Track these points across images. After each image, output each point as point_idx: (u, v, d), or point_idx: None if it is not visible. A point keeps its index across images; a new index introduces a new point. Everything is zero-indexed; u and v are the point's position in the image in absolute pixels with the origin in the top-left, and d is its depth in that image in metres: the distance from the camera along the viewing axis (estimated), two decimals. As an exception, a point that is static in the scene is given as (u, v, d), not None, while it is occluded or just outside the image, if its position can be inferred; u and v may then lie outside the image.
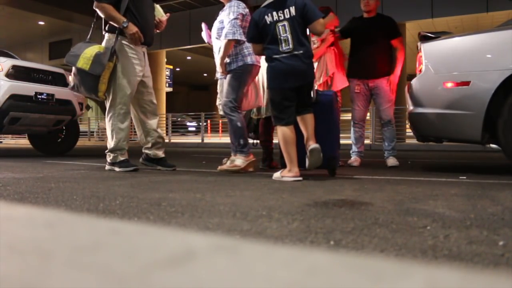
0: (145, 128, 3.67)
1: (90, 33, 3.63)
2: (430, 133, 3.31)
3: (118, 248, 0.63)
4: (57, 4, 15.91)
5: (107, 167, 3.54)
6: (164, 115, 15.29)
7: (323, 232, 1.26)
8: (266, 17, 2.83)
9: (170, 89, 19.64)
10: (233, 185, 2.52)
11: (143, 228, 0.81)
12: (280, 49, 2.81)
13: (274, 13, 2.82)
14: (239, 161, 3.32)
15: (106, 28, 3.49)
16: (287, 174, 2.82)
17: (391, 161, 4.05)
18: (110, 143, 3.51)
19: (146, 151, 3.71)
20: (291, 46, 2.79)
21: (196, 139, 13.30)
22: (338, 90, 4.05)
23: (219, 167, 3.39)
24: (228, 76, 3.37)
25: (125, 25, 3.37)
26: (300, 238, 1.19)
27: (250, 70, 3.37)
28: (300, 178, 2.80)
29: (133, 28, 3.40)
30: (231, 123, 3.37)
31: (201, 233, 1.22)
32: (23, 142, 14.80)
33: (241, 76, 3.34)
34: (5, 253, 0.60)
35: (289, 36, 2.79)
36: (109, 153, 3.53)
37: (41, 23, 18.43)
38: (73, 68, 3.45)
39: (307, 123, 2.89)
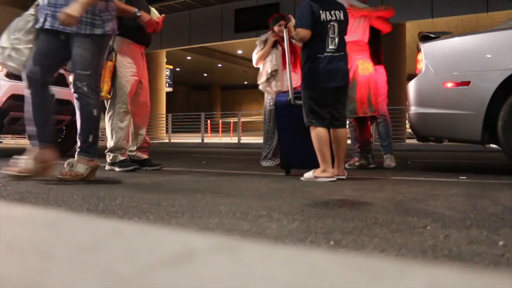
0: (134, 130, 3.66)
1: None
2: (430, 133, 3.31)
3: (118, 248, 0.63)
4: (57, 4, 15.90)
5: (107, 167, 3.53)
6: (164, 115, 15.30)
7: (323, 232, 1.26)
8: (321, 12, 2.82)
9: (170, 89, 19.64)
10: (233, 185, 2.52)
11: (143, 228, 0.81)
12: (326, 48, 2.81)
13: (327, 12, 2.84)
14: (81, 167, 2.60)
15: None
16: (321, 175, 2.76)
17: (388, 162, 4.01)
18: (110, 143, 3.50)
19: (129, 153, 3.66)
20: (336, 47, 2.83)
21: (196, 139, 13.30)
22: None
23: (59, 175, 2.56)
24: (87, 40, 2.58)
25: (138, 14, 3.37)
26: (300, 238, 1.19)
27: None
28: (334, 179, 2.76)
29: (146, 16, 3.41)
30: (85, 108, 2.60)
31: (201, 233, 1.22)
32: (23, 142, 14.80)
33: (103, 47, 2.70)
34: (5, 253, 0.60)
35: (337, 38, 2.83)
36: (108, 153, 3.52)
37: (41, 23, 18.41)
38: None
39: (339, 142, 2.86)
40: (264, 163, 4.18)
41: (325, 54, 2.80)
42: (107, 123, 3.52)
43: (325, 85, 2.81)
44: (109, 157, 3.53)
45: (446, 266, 0.72)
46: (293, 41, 3.83)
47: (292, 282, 0.46)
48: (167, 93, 18.49)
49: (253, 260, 0.57)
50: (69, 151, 6.37)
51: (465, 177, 2.93)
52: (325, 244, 1.13)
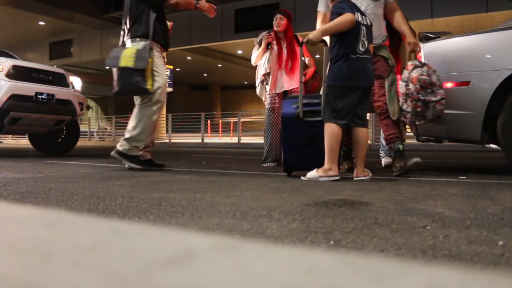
0: None
1: (121, 38, 3.64)
2: (430, 133, 3.31)
3: (118, 248, 0.63)
4: (57, 4, 15.92)
5: (114, 154, 3.49)
6: (164, 115, 15.29)
7: (323, 232, 1.26)
8: (356, 13, 2.85)
9: (170, 89, 19.61)
10: (233, 185, 2.52)
11: (143, 228, 0.81)
12: (357, 50, 2.85)
13: (359, 14, 2.88)
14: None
15: (130, 33, 3.51)
16: (325, 174, 2.76)
17: (386, 161, 4.03)
18: (131, 131, 3.45)
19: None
20: (365, 49, 2.88)
21: (196, 139, 13.30)
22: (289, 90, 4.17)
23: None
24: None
25: (198, 6, 3.64)
26: (300, 238, 1.19)
27: None
28: (338, 178, 2.78)
29: (205, 3, 3.61)
30: None
31: (201, 233, 1.22)
32: (23, 142, 14.81)
33: None
34: (5, 253, 0.60)
35: (366, 41, 2.88)
36: (125, 141, 3.46)
37: (41, 23, 18.44)
38: (115, 73, 3.43)
39: (360, 141, 2.89)
40: (262, 164, 4.23)
41: (358, 55, 2.84)
42: (138, 112, 3.48)
43: (356, 84, 2.84)
44: (122, 146, 3.48)
45: (446, 266, 0.72)
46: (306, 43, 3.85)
47: (292, 282, 0.47)
48: (167, 93, 18.49)
49: (253, 260, 0.57)
50: (69, 151, 6.38)
51: (465, 177, 2.93)
52: (325, 244, 1.13)
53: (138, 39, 3.50)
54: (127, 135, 3.48)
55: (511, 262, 0.97)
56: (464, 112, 3.01)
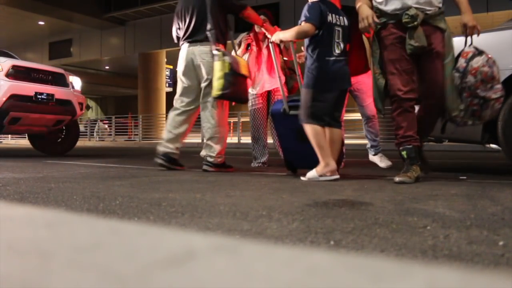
0: (185, 130, 3.73)
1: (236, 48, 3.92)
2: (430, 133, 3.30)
3: (118, 248, 0.63)
4: (57, 4, 15.92)
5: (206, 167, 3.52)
6: (164, 115, 15.31)
7: (323, 232, 1.26)
8: (329, 14, 2.85)
9: (170, 89, 19.64)
10: (233, 185, 2.52)
11: (143, 228, 0.81)
12: (333, 52, 2.84)
13: (334, 15, 2.87)
14: None
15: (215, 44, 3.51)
16: (324, 170, 2.75)
17: (384, 161, 4.02)
18: (216, 147, 3.51)
19: (175, 150, 3.65)
20: (341, 51, 2.87)
21: (196, 139, 13.29)
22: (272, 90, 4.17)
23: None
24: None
25: (265, 23, 3.80)
26: (300, 238, 1.19)
27: None
28: (338, 176, 2.78)
29: (270, 26, 3.87)
30: None
31: (201, 233, 1.22)
32: (23, 142, 14.80)
33: None
34: (5, 253, 0.60)
35: (341, 43, 2.87)
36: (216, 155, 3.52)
37: (41, 23, 18.44)
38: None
39: (335, 142, 2.87)
40: (252, 164, 4.24)
41: (333, 57, 2.84)
42: (210, 113, 3.51)
43: (333, 87, 2.85)
44: (212, 158, 3.52)
45: (446, 266, 0.72)
46: (281, 45, 3.84)
47: (292, 282, 0.46)
48: (167, 93, 18.51)
49: (253, 260, 0.57)
50: (69, 151, 6.38)
51: (465, 177, 2.93)
52: (325, 244, 1.13)
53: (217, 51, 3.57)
54: (208, 137, 3.60)
55: (511, 262, 0.97)
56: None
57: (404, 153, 2.70)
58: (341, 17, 2.91)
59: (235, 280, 0.47)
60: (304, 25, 2.80)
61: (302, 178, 2.84)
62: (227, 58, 3.32)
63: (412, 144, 2.67)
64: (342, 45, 2.87)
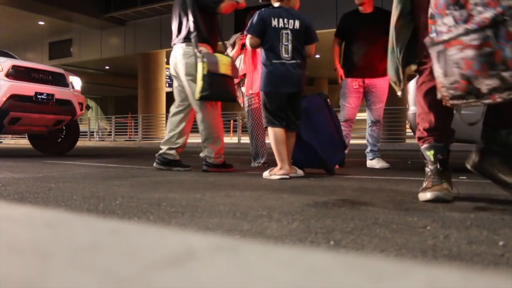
0: (182, 129, 3.69)
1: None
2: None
3: (118, 248, 0.63)
4: (57, 4, 15.91)
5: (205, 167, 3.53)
6: (164, 115, 15.31)
7: (323, 232, 1.26)
8: (272, 19, 2.92)
9: (170, 89, 19.62)
10: (233, 185, 2.52)
11: (143, 228, 0.81)
12: (280, 55, 2.90)
13: (281, 19, 2.92)
14: None
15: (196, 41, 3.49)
16: (277, 173, 2.88)
17: (381, 163, 4.00)
18: (213, 148, 3.51)
19: (170, 151, 3.63)
20: (290, 54, 2.91)
21: (196, 139, 13.30)
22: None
23: None
24: None
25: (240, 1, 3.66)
26: (300, 238, 1.19)
27: None
28: (287, 177, 2.86)
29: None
30: None
31: (201, 233, 1.22)
32: (23, 142, 14.80)
33: None
34: (5, 253, 0.60)
35: (290, 45, 2.91)
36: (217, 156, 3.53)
37: (41, 23, 18.43)
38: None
39: (288, 144, 2.95)
40: (252, 164, 4.24)
41: (279, 60, 2.90)
42: (200, 115, 3.51)
43: (278, 90, 2.92)
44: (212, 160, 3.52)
45: (446, 266, 0.72)
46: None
47: (292, 282, 0.46)
48: (167, 93, 18.49)
49: (253, 260, 0.57)
50: (69, 151, 6.38)
51: (465, 177, 2.93)
52: (325, 244, 1.13)
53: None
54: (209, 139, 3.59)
55: (511, 262, 0.97)
56: (464, 112, 3.01)
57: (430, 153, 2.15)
58: (291, 21, 2.93)
59: (235, 280, 0.47)
60: (248, 39, 3.00)
61: (263, 176, 2.98)
62: (205, 59, 3.28)
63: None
64: (290, 47, 2.91)
